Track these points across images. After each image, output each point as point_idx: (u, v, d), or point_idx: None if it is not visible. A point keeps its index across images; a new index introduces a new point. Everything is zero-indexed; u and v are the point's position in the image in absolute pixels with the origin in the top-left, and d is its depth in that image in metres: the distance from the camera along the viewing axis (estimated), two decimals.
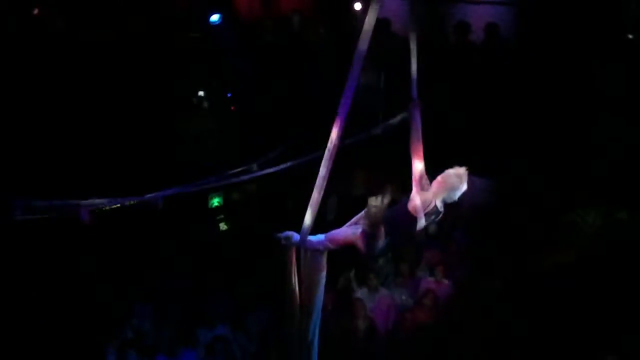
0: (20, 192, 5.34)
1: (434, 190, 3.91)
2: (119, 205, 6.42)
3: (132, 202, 6.24)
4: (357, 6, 8.96)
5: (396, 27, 8.08)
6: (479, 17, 7.60)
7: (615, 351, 5.41)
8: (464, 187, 3.91)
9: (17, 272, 7.34)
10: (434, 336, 5.92)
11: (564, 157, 6.88)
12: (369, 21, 3.21)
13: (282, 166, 6.57)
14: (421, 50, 4.76)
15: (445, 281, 6.94)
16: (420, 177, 3.91)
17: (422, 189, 3.91)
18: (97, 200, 6.56)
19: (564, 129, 6.89)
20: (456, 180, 3.91)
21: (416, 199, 3.87)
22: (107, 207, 5.96)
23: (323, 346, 6.27)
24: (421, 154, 3.93)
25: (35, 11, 7.81)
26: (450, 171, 3.95)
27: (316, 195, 3.69)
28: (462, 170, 3.94)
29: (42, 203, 5.83)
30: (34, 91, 8.05)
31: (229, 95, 9.81)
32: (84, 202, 5.78)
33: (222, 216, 9.53)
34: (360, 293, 6.90)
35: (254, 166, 6.83)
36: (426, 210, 3.87)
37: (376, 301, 6.89)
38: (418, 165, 3.91)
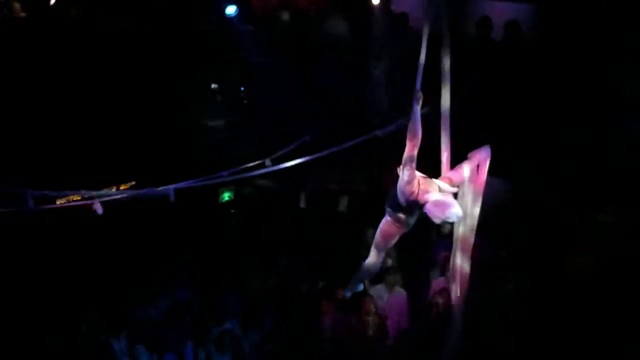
0: (33, 182, 5.33)
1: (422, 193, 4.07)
2: (131, 197, 6.42)
3: (144, 194, 6.24)
4: (375, 0, 8.85)
5: (414, 23, 7.96)
6: (498, 14, 7.48)
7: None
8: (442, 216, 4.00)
9: (26, 262, 7.37)
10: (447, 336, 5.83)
11: (583, 157, 6.76)
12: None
13: (295, 161, 6.53)
14: (439, 45, 4.68)
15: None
16: (405, 165, 3.98)
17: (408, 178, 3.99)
18: (110, 192, 6.55)
19: (584, 129, 6.77)
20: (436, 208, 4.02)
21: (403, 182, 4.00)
22: (120, 199, 5.95)
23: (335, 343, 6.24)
24: (414, 144, 3.97)
25: (52, 1, 7.79)
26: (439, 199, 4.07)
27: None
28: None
29: (55, 194, 5.83)
30: (47, 82, 8.05)
31: (242, 89, 9.76)
32: (96, 192, 5.77)
33: (233, 211, 9.52)
34: (373, 290, 6.84)
35: (267, 161, 6.80)
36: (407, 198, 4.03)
37: (389, 300, 6.83)
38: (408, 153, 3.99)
